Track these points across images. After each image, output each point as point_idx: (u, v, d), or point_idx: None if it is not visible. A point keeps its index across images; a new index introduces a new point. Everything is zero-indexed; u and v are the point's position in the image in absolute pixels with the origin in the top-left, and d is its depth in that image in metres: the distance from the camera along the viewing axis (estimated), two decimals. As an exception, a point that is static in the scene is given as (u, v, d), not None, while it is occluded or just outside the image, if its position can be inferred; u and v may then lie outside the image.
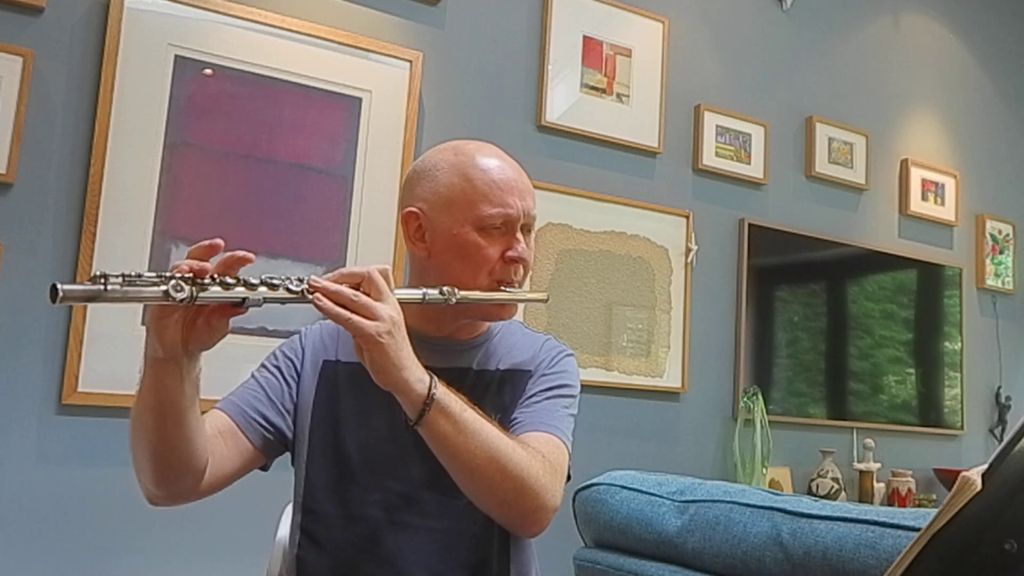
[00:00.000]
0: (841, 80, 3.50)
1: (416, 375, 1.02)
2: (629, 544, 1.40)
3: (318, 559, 1.21)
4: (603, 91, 2.86)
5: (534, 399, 1.24)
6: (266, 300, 0.97)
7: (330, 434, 1.23)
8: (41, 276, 2.01)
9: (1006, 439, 0.75)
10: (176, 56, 2.18)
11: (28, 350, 1.99)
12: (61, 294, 0.83)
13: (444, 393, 1.04)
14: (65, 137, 2.06)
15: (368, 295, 1.01)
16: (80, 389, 2.00)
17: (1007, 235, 3.94)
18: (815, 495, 2.90)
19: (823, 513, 1.16)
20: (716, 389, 3.03)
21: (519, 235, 1.24)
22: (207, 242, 0.96)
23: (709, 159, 3.06)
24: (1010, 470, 0.72)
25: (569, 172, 2.77)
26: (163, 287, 0.88)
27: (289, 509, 1.40)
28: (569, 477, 1.22)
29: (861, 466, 3.24)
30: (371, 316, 0.98)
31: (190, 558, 2.09)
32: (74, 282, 0.84)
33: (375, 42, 2.44)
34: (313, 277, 1.00)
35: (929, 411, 3.60)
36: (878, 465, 3.25)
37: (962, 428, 3.67)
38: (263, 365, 1.29)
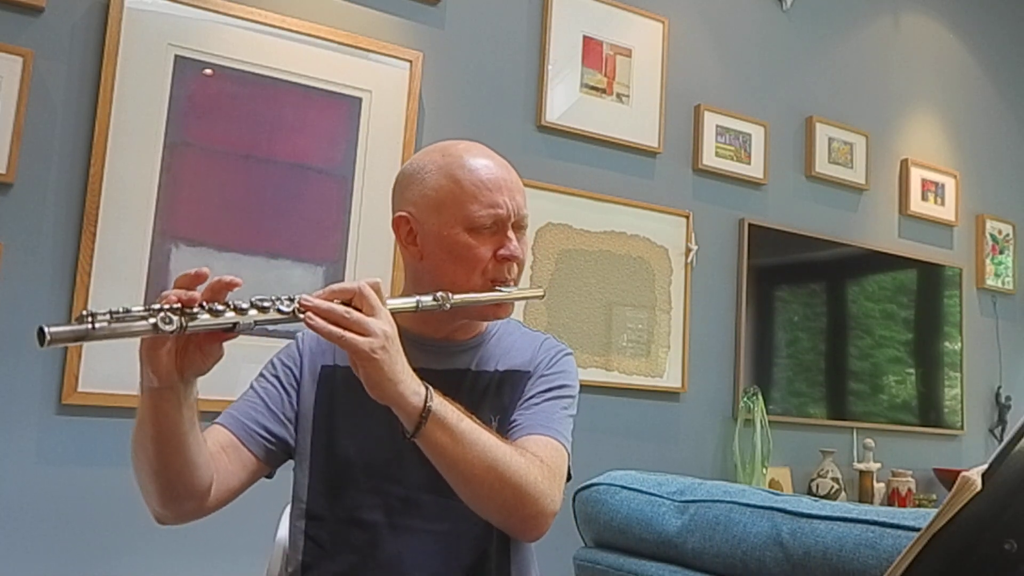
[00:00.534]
0: (841, 80, 3.50)
1: (412, 388, 1.01)
2: (629, 544, 1.40)
3: (322, 564, 1.21)
4: (603, 91, 2.86)
5: (533, 400, 1.24)
6: (257, 323, 0.96)
7: (330, 439, 1.23)
8: (41, 276, 2.01)
9: (1006, 439, 0.75)
10: (176, 56, 2.17)
11: (28, 350, 1.99)
12: (49, 337, 0.82)
13: (440, 404, 1.04)
14: (65, 137, 2.06)
15: (360, 310, 1.00)
16: (80, 389, 2.00)
17: (1007, 235, 3.94)
18: (815, 495, 2.90)
19: (823, 513, 1.16)
20: (716, 389, 3.03)
21: (510, 233, 1.23)
22: (192, 271, 0.96)
23: (709, 159, 3.06)
24: (1010, 470, 0.72)
25: (569, 172, 2.77)
26: (151, 320, 0.88)
27: (289, 509, 1.40)
28: (569, 477, 1.22)
29: (861, 466, 3.24)
30: (364, 332, 0.98)
31: (190, 558, 2.09)
32: (61, 323, 0.84)
33: (375, 42, 2.44)
34: (303, 296, 0.99)
35: (929, 411, 3.60)
36: (878, 465, 3.25)
37: (962, 428, 3.68)
38: (261, 374, 1.29)
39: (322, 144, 2.35)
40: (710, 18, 3.17)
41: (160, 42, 2.16)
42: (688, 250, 2.98)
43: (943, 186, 3.74)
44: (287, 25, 2.31)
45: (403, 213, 1.25)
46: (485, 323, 1.31)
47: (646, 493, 1.41)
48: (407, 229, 1.24)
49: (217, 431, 1.19)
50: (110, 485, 2.02)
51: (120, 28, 2.10)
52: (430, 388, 1.04)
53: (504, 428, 1.22)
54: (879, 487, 3.26)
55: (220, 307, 0.94)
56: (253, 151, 2.25)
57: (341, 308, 0.98)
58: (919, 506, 3.32)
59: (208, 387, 2.20)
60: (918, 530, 0.82)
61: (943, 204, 3.73)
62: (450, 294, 1.15)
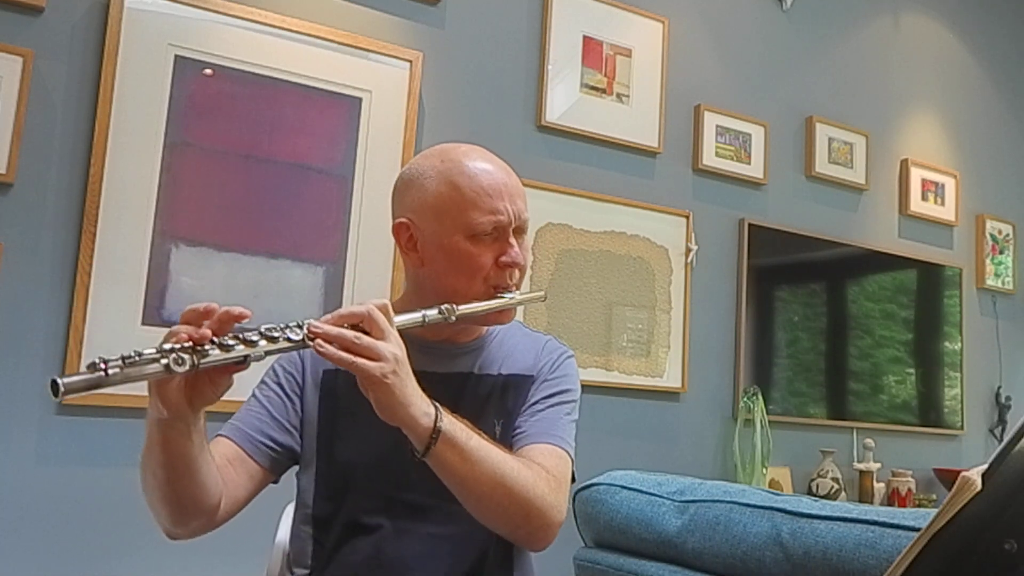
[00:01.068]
0: (841, 80, 3.50)
1: (422, 409, 1.02)
2: (629, 544, 1.40)
3: (328, 569, 1.21)
4: (603, 91, 2.86)
5: (536, 407, 1.24)
6: (267, 353, 0.96)
7: (334, 445, 1.23)
8: (41, 276, 2.01)
9: (1006, 439, 0.75)
10: (176, 56, 2.17)
11: (28, 350, 1.99)
12: (63, 388, 0.82)
13: (450, 423, 1.04)
14: (65, 137, 2.06)
15: (369, 334, 1.00)
16: (80, 389, 2.00)
17: (1007, 235, 3.94)
18: (815, 495, 2.90)
19: (823, 513, 1.16)
20: (716, 389, 3.03)
21: (511, 239, 1.21)
22: (201, 307, 0.96)
23: (709, 159, 3.06)
24: (1010, 470, 0.72)
25: (569, 172, 2.77)
26: (164, 361, 0.89)
27: (289, 510, 1.40)
28: (573, 479, 1.23)
29: (861, 466, 3.24)
30: (375, 357, 0.97)
31: (190, 558, 2.09)
32: (74, 373, 0.83)
33: (375, 42, 2.44)
34: (312, 322, 0.99)
35: (929, 411, 3.60)
36: (878, 465, 3.25)
37: (962, 428, 3.67)
38: (263, 382, 1.28)
39: (322, 144, 2.35)
40: (710, 18, 3.17)
41: (160, 42, 2.16)
42: (688, 250, 2.98)
43: (943, 186, 3.74)
44: (287, 25, 2.31)
45: (403, 220, 1.23)
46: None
47: (646, 493, 1.41)
48: (407, 236, 1.23)
49: (222, 444, 1.19)
50: (110, 485, 2.02)
51: (120, 28, 2.10)
52: (439, 408, 1.04)
53: (508, 433, 1.22)
54: (879, 487, 3.26)
55: (230, 341, 0.94)
56: (253, 151, 2.25)
57: (350, 333, 0.98)
58: (919, 506, 3.32)
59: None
60: (918, 530, 0.82)
61: (943, 204, 3.73)
62: (455, 306, 1.14)
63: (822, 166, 3.36)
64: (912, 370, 3.55)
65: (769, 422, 2.97)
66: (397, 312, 1.07)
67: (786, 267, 3.29)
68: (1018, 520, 0.70)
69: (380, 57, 2.44)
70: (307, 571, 1.23)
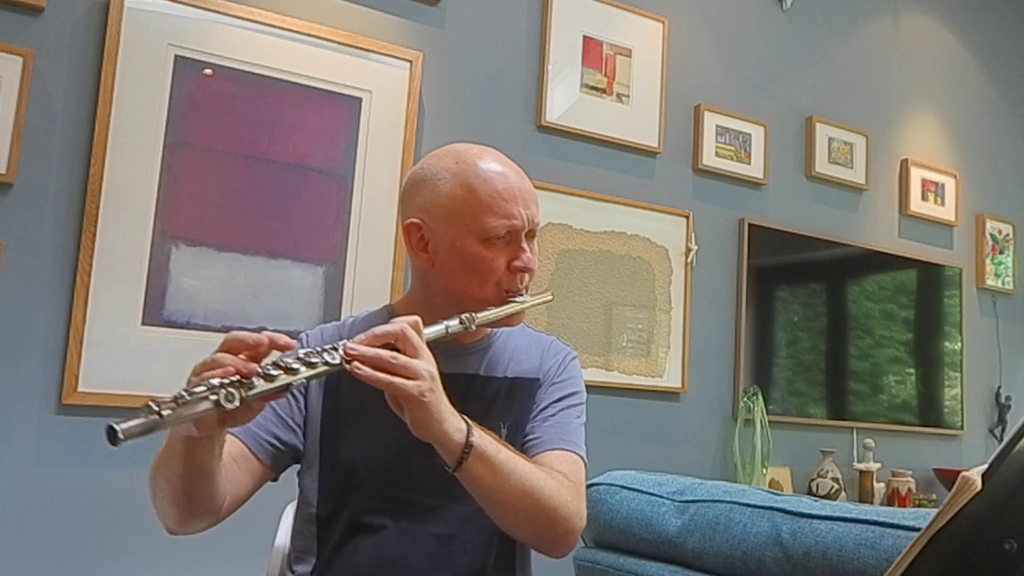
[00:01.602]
0: (841, 80, 3.50)
1: (455, 425, 1.03)
2: (629, 544, 1.40)
3: (331, 568, 1.21)
4: (603, 91, 2.86)
5: (547, 412, 1.25)
6: (308, 379, 0.97)
7: (338, 445, 1.23)
8: (41, 276, 2.01)
9: (1006, 439, 0.75)
10: (176, 56, 2.17)
11: (28, 350, 1.99)
12: (122, 436, 0.83)
13: (480, 437, 1.05)
14: (65, 137, 2.06)
15: (404, 352, 1.00)
16: (80, 389, 2.00)
17: (1007, 235, 3.94)
18: (815, 495, 2.90)
19: (823, 513, 1.16)
20: (716, 389, 3.03)
21: (524, 243, 1.22)
22: (251, 340, 0.96)
23: (709, 159, 3.06)
24: (1010, 470, 0.72)
25: (569, 172, 2.77)
26: (214, 398, 0.90)
27: (289, 510, 1.40)
28: None
29: (861, 466, 3.24)
30: (412, 376, 0.98)
31: (190, 558, 2.09)
32: (129, 420, 0.85)
33: (375, 42, 2.44)
34: (348, 344, 0.99)
35: (929, 411, 3.60)
36: (878, 465, 3.25)
37: (962, 428, 3.67)
38: None
39: (322, 144, 2.35)
40: (710, 18, 3.17)
41: (160, 42, 2.16)
42: (688, 250, 2.98)
43: (943, 186, 3.74)
44: (287, 25, 2.31)
45: (415, 220, 1.22)
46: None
47: (646, 493, 1.41)
48: (418, 236, 1.22)
49: (228, 441, 1.19)
50: (110, 485, 2.02)
51: (120, 28, 2.10)
52: (470, 423, 1.05)
53: (514, 437, 1.22)
54: (879, 487, 3.26)
55: (273, 371, 0.95)
56: (253, 151, 2.25)
57: (387, 353, 0.99)
58: (919, 506, 3.32)
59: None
60: (918, 530, 0.82)
61: (943, 204, 3.73)
62: (474, 314, 1.15)
63: (822, 166, 3.36)
64: (912, 370, 3.55)
65: (769, 422, 2.97)
66: (410, 311, 1.08)
67: (786, 267, 3.29)
68: (1018, 520, 0.70)
69: (380, 57, 2.44)
70: (309, 570, 1.23)
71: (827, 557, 1.10)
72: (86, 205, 2.05)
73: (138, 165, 2.11)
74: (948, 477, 3.37)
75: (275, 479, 1.26)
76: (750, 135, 3.17)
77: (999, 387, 3.85)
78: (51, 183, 2.04)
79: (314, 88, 2.34)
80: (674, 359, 2.91)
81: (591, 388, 2.61)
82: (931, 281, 3.66)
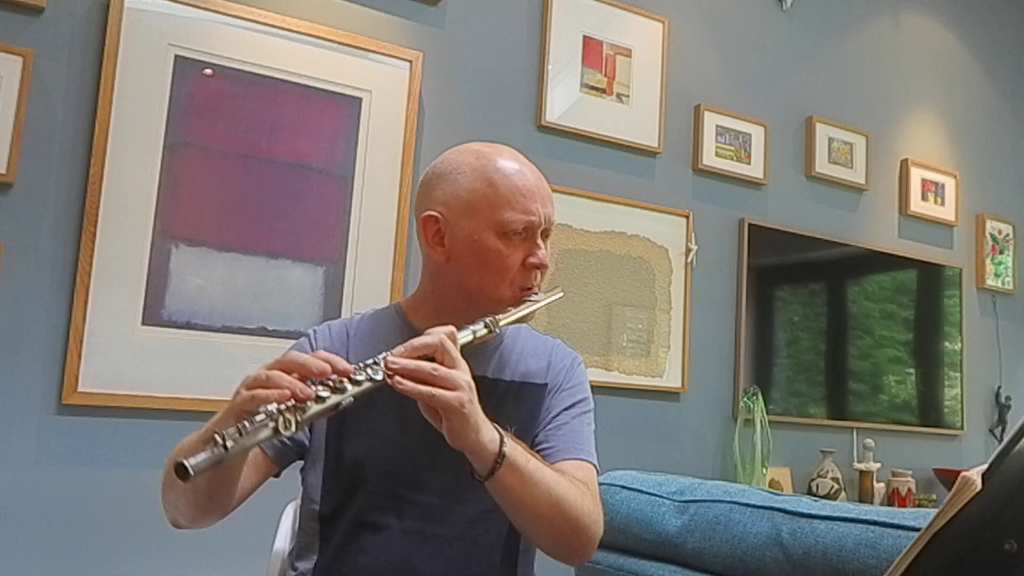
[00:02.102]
0: (841, 80, 3.50)
1: (489, 436, 1.03)
2: (629, 544, 1.40)
3: (334, 566, 1.21)
4: (603, 91, 2.86)
5: (559, 420, 1.25)
6: (355, 397, 0.98)
7: (344, 442, 1.23)
8: (41, 276, 2.01)
9: (1006, 439, 0.75)
10: (176, 56, 2.17)
11: (28, 350, 1.99)
12: (192, 472, 0.85)
13: (511, 448, 1.06)
14: (65, 137, 2.06)
15: (442, 363, 1.01)
16: (80, 389, 2.00)
17: (1007, 235, 3.94)
18: (815, 495, 2.90)
19: (823, 513, 1.16)
20: (716, 389, 3.03)
21: (539, 241, 1.23)
22: (316, 368, 0.97)
23: (709, 159, 3.06)
24: (1010, 470, 0.72)
25: (569, 172, 2.77)
26: (272, 424, 0.91)
27: (289, 510, 1.40)
28: None
29: (861, 466, 3.24)
30: (452, 387, 0.99)
31: (190, 558, 2.09)
32: (198, 454, 0.86)
33: (375, 42, 2.44)
34: (390, 358, 1.00)
35: (929, 411, 3.60)
36: (878, 465, 3.25)
37: (962, 428, 3.68)
38: None
39: (322, 144, 2.35)
40: (710, 18, 3.17)
41: (160, 42, 2.16)
42: (688, 250, 2.98)
43: (943, 186, 3.74)
44: (287, 25, 2.31)
45: (433, 212, 1.22)
46: None
47: (646, 493, 1.41)
48: (435, 229, 1.22)
49: None
50: (110, 485, 2.02)
51: (120, 28, 2.10)
52: (502, 433, 1.06)
53: (521, 441, 1.22)
54: (879, 487, 3.26)
55: (324, 393, 0.96)
56: (253, 151, 2.25)
57: (428, 365, 1.00)
58: (919, 506, 3.32)
59: (208, 387, 2.19)
60: (918, 530, 0.82)
61: (943, 204, 3.73)
62: (497, 318, 1.16)
63: (822, 166, 3.36)
64: (912, 370, 3.55)
65: (769, 422, 2.97)
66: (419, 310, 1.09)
67: (786, 267, 3.29)
68: (1018, 520, 0.70)
69: (380, 57, 2.44)
70: (311, 567, 1.23)
71: (827, 557, 1.10)
72: (86, 205, 2.04)
73: (138, 165, 2.11)
74: (948, 477, 3.37)
75: (277, 475, 1.26)
76: (750, 135, 3.17)
77: (999, 387, 3.85)
78: (51, 183, 2.04)
79: (314, 88, 2.34)
80: (674, 359, 2.91)
81: (591, 388, 2.61)
82: (931, 281, 3.66)
